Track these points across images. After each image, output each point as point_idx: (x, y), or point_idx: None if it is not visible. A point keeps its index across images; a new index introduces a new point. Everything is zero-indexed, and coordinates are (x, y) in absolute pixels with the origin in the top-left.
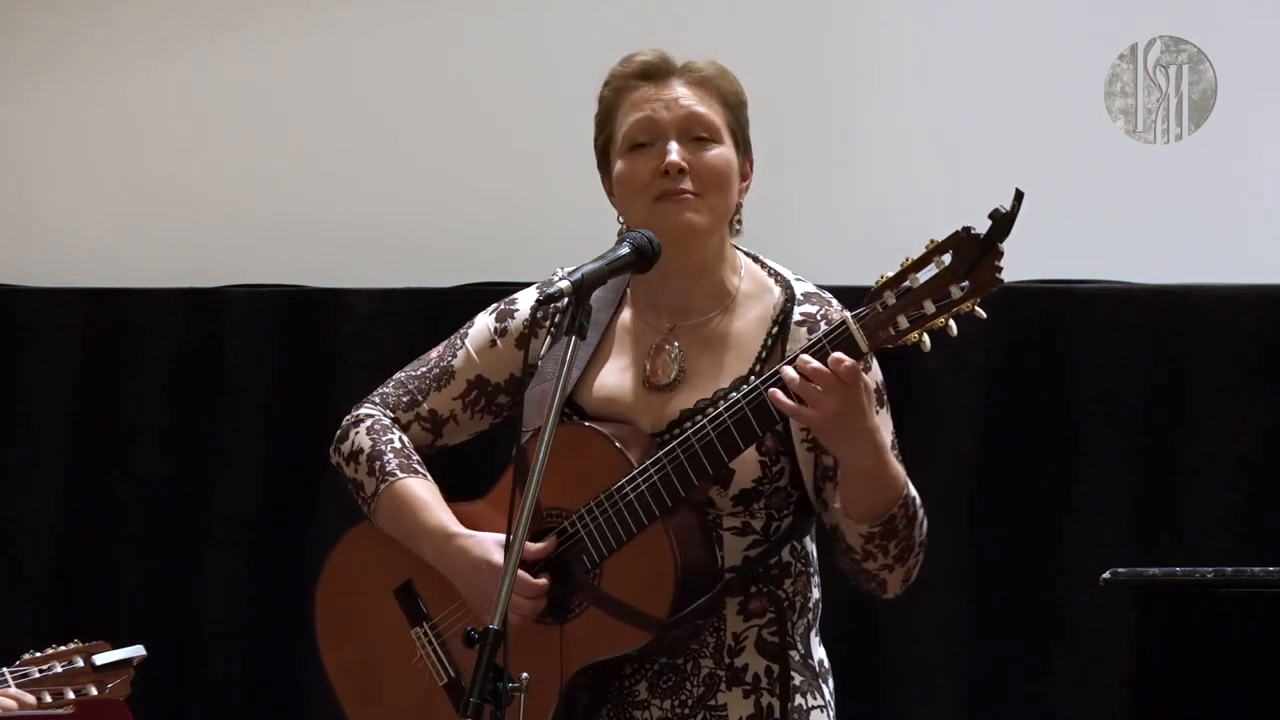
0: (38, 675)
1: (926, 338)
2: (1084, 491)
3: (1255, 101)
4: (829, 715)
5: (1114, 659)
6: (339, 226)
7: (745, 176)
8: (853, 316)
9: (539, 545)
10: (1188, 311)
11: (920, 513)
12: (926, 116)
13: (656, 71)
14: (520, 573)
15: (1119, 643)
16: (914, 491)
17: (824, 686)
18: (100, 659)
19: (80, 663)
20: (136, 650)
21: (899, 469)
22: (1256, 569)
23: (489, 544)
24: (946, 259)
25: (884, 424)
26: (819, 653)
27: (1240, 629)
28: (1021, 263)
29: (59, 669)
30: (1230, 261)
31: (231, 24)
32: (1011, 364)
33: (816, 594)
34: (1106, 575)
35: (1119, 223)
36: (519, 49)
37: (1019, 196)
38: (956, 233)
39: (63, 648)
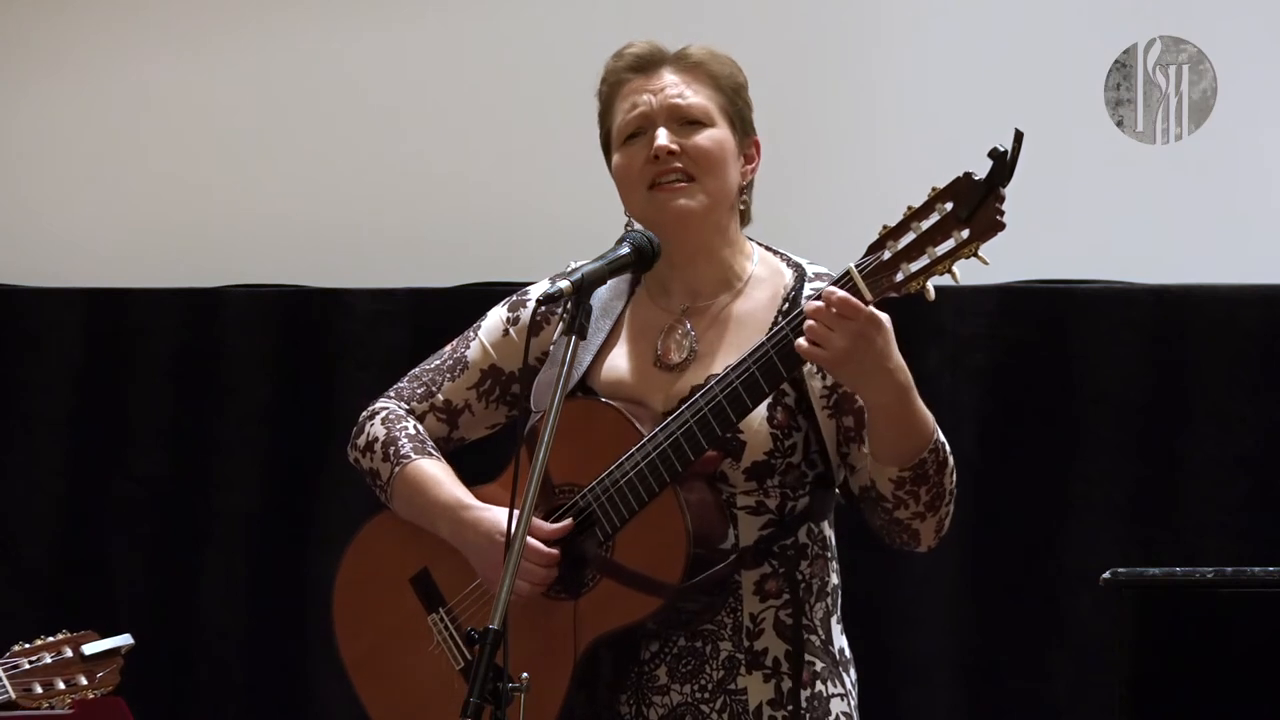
0: (28, 666)
1: (930, 286)
2: (1084, 491)
3: (1255, 101)
4: (849, 704)
5: (1114, 659)
6: (339, 226)
7: (750, 160)
8: (856, 266)
9: (555, 525)
10: (1188, 311)
11: (950, 459)
12: (926, 116)
13: (647, 62)
14: (532, 541)
15: (1119, 643)
16: (943, 438)
17: (844, 675)
18: (88, 649)
19: (69, 653)
20: (124, 639)
21: (927, 413)
22: (1256, 569)
23: (502, 516)
24: (948, 206)
25: None
26: (840, 640)
27: (1240, 629)
28: (1022, 263)
29: (48, 660)
30: (1230, 261)
31: (232, 23)
32: (1011, 364)
33: (835, 579)
34: (1106, 575)
35: (1119, 223)
36: (520, 49)
37: (1019, 137)
38: (957, 178)
39: (51, 639)
